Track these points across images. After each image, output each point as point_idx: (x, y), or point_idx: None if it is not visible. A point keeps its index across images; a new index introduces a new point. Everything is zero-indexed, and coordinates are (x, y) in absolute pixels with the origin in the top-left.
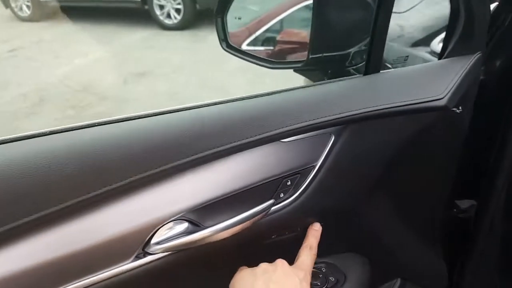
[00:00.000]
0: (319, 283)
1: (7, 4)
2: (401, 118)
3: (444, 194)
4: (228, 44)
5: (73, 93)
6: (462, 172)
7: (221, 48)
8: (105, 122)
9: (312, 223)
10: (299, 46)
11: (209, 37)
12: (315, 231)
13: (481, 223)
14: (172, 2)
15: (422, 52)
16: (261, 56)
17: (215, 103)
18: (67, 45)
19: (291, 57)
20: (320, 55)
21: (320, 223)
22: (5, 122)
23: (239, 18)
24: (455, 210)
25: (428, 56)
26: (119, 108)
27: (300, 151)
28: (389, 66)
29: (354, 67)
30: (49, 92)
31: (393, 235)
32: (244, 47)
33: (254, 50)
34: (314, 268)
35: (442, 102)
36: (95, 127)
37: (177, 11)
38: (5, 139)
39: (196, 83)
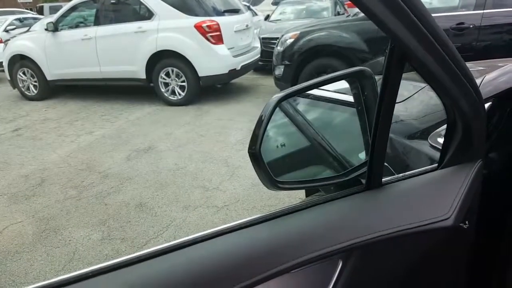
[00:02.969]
0: None
1: (15, 85)
2: (409, 239)
3: None
4: (274, 182)
5: (76, 172)
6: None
7: (222, 121)
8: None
9: None
10: None
11: (211, 111)
12: None
13: None
14: (177, 80)
15: (421, 145)
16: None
17: (216, 234)
18: (72, 123)
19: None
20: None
21: None
22: (3, 206)
23: (283, 145)
24: None
25: (428, 151)
26: (122, 186)
27: (307, 281)
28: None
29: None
30: (51, 172)
31: None
32: None
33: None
34: None
35: (449, 222)
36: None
37: (181, 87)
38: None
39: (200, 157)
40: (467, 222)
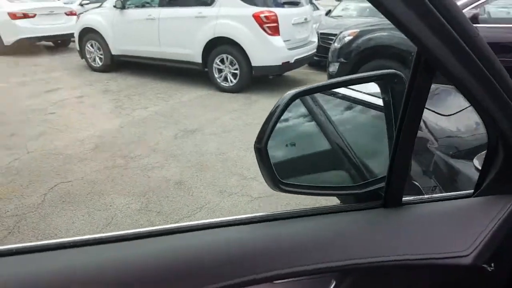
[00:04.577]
0: None
1: (83, 55)
2: (418, 271)
3: None
4: (277, 182)
5: (127, 143)
6: None
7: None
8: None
9: None
10: None
11: (260, 101)
12: None
13: None
14: (230, 67)
15: (464, 165)
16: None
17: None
18: (130, 97)
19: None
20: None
21: None
22: (58, 165)
23: (293, 144)
24: None
25: (471, 174)
26: (165, 163)
27: None
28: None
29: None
30: (105, 140)
31: None
32: None
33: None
34: None
35: (467, 260)
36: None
37: (234, 75)
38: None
39: (242, 145)
40: (492, 264)
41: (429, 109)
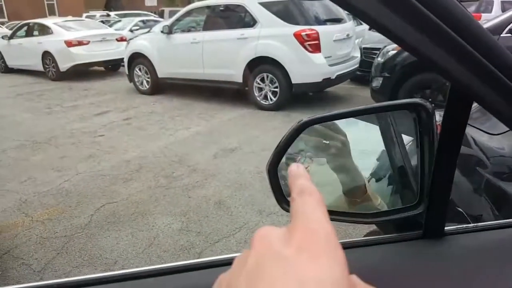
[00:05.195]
0: None
1: (131, 79)
2: None
3: None
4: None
5: (170, 163)
6: None
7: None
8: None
9: None
10: None
11: (299, 118)
12: (293, 171)
13: None
14: (270, 85)
15: None
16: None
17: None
18: (174, 118)
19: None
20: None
21: None
22: (105, 186)
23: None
24: None
25: None
26: (206, 182)
27: None
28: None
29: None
30: (149, 160)
31: None
32: None
33: None
34: None
35: None
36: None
37: (274, 93)
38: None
39: None
40: None
41: (476, 128)
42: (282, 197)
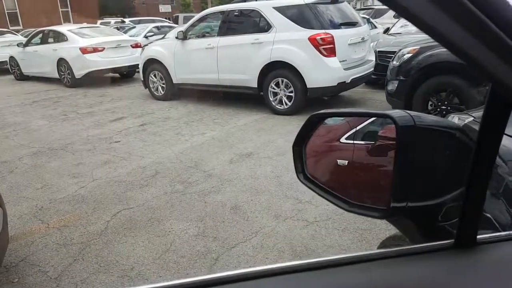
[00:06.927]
0: None
1: (146, 85)
2: None
3: None
4: (306, 176)
5: (185, 168)
6: None
7: None
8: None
9: None
10: None
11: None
12: None
13: None
14: (285, 90)
15: None
16: (338, 195)
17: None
18: (189, 123)
19: (371, 201)
20: (404, 204)
21: None
22: (121, 192)
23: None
24: None
25: None
26: (221, 187)
27: None
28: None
29: (448, 223)
30: (165, 166)
31: None
32: (343, 140)
33: (353, 144)
34: None
35: None
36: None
37: (288, 97)
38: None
39: None
40: None
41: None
42: (304, 172)
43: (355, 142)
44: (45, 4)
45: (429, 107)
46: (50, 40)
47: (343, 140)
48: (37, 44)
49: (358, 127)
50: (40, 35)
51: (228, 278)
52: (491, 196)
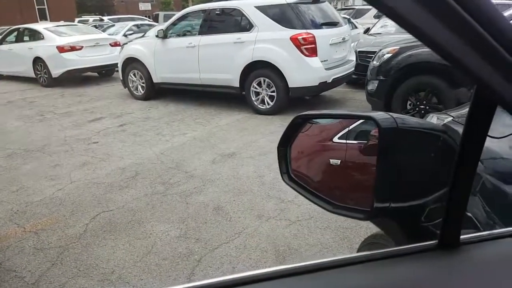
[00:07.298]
0: None
1: (125, 84)
2: None
3: None
4: (290, 177)
5: (166, 169)
6: None
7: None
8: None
9: None
10: None
11: None
12: None
13: None
14: (267, 89)
15: None
16: (322, 196)
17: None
18: (170, 123)
19: (355, 202)
20: (387, 205)
21: None
22: (100, 194)
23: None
24: None
25: None
26: (204, 188)
27: None
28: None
29: (432, 223)
30: (145, 167)
31: None
32: (336, 139)
33: (346, 143)
34: None
35: None
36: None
37: (271, 97)
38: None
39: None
40: None
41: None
42: (286, 170)
43: (346, 141)
44: (20, 1)
45: (408, 107)
46: (26, 38)
47: (335, 139)
48: (11, 42)
49: (350, 127)
50: (15, 33)
51: (224, 283)
52: (470, 194)
